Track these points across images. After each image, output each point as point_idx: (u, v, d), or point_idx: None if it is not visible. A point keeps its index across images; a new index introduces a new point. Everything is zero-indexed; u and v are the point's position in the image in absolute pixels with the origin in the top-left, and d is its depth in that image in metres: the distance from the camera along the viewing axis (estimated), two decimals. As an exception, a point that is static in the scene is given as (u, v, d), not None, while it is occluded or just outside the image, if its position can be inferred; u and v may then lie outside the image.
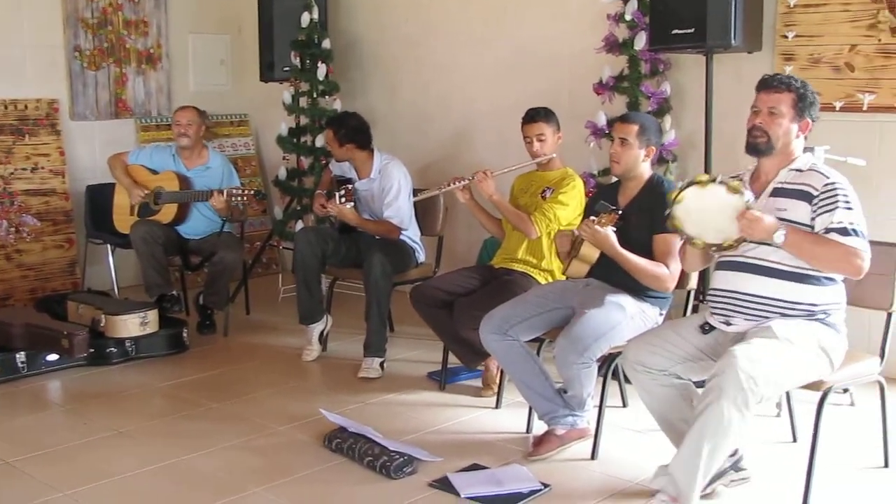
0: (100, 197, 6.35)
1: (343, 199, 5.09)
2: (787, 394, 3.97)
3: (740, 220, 3.14)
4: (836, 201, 3.17)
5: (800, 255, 3.20)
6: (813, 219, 3.21)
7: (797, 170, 3.31)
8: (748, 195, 3.17)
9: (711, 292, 3.44)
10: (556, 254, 4.42)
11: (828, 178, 3.23)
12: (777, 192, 3.31)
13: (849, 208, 3.17)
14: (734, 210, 3.16)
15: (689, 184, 3.27)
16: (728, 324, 3.36)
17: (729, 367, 3.04)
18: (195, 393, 4.78)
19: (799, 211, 3.23)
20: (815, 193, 3.22)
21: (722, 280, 3.38)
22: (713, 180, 3.23)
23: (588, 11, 5.61)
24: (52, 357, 5.04)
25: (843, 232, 3.15)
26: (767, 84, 3.36)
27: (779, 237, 3.13)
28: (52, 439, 4.13)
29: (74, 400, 4.71)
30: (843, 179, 3.26)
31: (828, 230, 3.16)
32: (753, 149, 3.36)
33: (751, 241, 3.23)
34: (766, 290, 3.27)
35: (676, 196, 3.27)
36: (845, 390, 4.41)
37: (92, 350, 5.09)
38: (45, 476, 3.74)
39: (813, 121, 3.35)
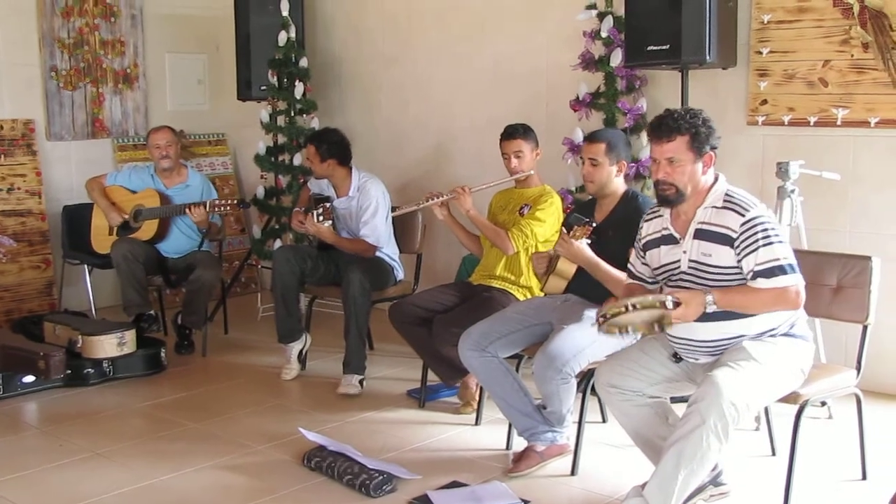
0: (77, 217, 6.31)
1: (321, 218, 5.08)
2: (766, 408, 3.98)
3: (673, 325, 3.07)
4: (756, 240, 3.11)
5: (735, 310, 3.16)
6: (738, 261, 3.16)
7: (713, 206, 3.24)
8: (666, 300, 3.05)
9: (670, 338, 3.36)
10: (533, 273, 4.42)
11: (743, 215, 3.16)
12: (699, 235, 3.25)
13: (769, 244, 3.11)
14: (660, 313, 3.07)
15: (606, 317, 3.09)
16: (696, 359, 3.34)
17: (711, 394, 3.02)
18: (173, 413, 4.74)
19: (723, 256, 3.18)
20: (735, 236, 3.15)
21: (677, 329, 3.24)
22: (625, 309, 3.06)
23: (564, 28, 5.64)
24: (29, 379, 4.99)
25: (769, 273, 3.09)
26: (657, 132, 3.26)
27: (710, 307, 3.09)
28: (28, 461, 4.09)
29: (51, 421, 4.67)
30: (760, 208, 3.19)
31: (754, 274, 3.11)
32: (665, 201, 3.29)
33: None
34: (720, 333, 3.24)
35: (603, 323, 3.12)
36: (823, 403, 4.43)
37: (69, 371, 5.04)
38: (20, 499, 3.70)
39: (714, 149, 3.26)
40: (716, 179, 3.30)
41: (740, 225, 3.15)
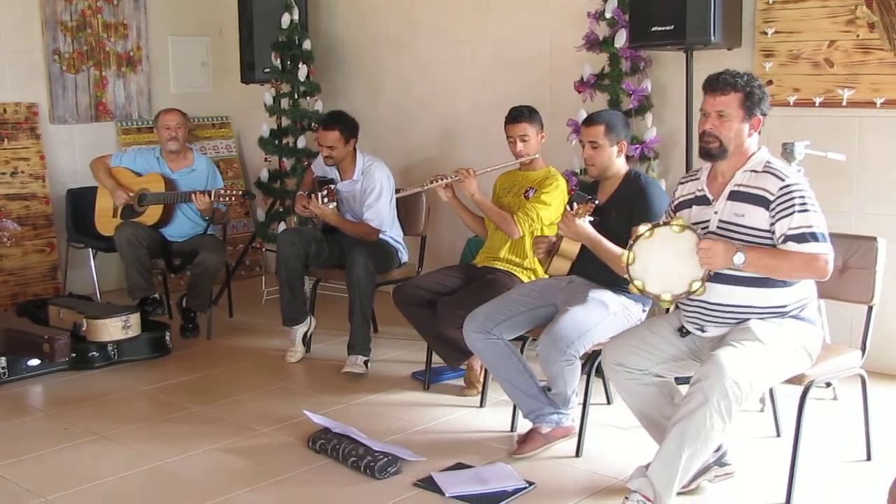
0: (81, 200, 6.31)
1: (325, 200, 5.07)
2: (771, 389, 3.98)
3: (697, 253, 3.11)
4: (793, 205, 3.14)
5: (761, 272, 3.17)
6: (771, 224, 3.18)
7: (753, 170, 3.27)
8: (696, 229, 3.16)
9: (682, 303, 3.40)
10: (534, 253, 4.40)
11: (783, 180, 3.19)
12: (734, 196, 3.28)
13: (805, 211, 3.14)
14: (690, 247, 3.14)
15: (636, 239, 3.22)
16: (703, 330, 3.35)
17: (715, 373, 3.02)
18: (178, 396, 4.75)
19: (757, 217, 3.21)
20: (771, 198, 3.18)
21: None
22: (656, 225, 3.21)
23: (568, 10, 5.62)
24: (34, 362, 5.00)
25: (801, 238, 3.12)
26: (713, 86, 3.30)
27: (738, 259, 3.10)
28: (33, 444, 4.10)
29: (56, 404, 4.68)
30: (799, 178, 3.24)
31: (786, 237, 3.13)
32: (707, 154, 3.32)
33: (713, 271, 3.17)
34: (734, 299, 3.25)
35: (628, 257, 3.22)
36: (828, 384, 4.43)
37: (74, 354, 5.06)
38: (25, 481, 3.72)
39: (764, 115, 3.30)
40: (759, 150, 3.33)
41: (779, 189, 3.18)
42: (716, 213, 3.31)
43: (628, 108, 5.23)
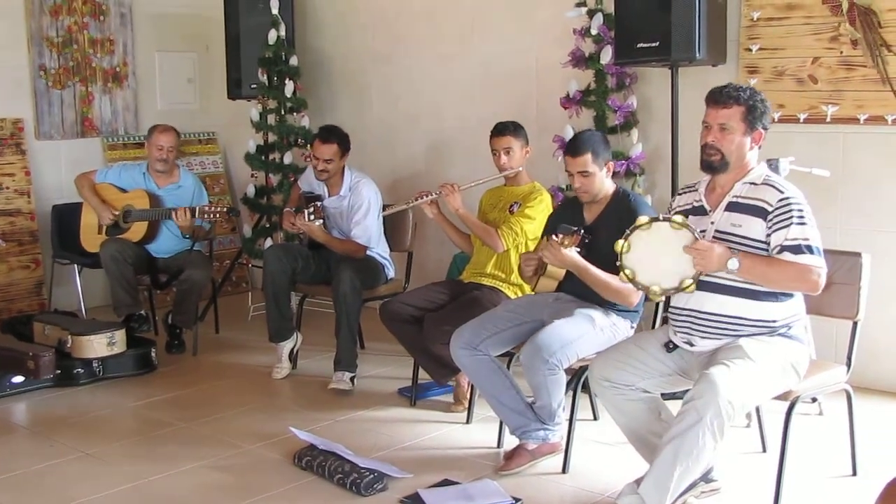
0: (66, 216, 6.28)
1: (312, 217, 5.07)
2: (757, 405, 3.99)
3: (691, 252, 3.14)
4: (791, 217, 3.18)
5: (754, 280, 3.20)
6: (768, 235, 3.21)
7: (752, 183, 3.31)
8: (694, 229, 3.18)
9: (672, 310, 3.43)
10: (520, 272, 4.34)
11: (782, 192, 3.23)
12: (732, 207, 3.31)
13: (802, 224, 3.18)
14: (683, 247, 3.16)
15: (633, 229, 3.25)
16: (691, 344, 3.36)
17: (709, 392, 3.02)
18: (164, 413, 4.73)
19: (754, 227, 3.24)
20: (770, 209, 3.21)
21: (682, 298, 3.35)
22: (655, 219, 3.24)
23: (554, 26, 5.64)
24: (18, 379, 4.97)
25: (797, 249, 3.15)
26: (716, 99, 3.34)
27: (732, 264, 3.13)
28: (18, 462, 4.07)
29: (40, 422, 4.65)
30: (798, 193, 3.26)
31: (781, 248, 3.17)
32: (708, 167, 3.35)
33: (707, 273, 3.20)
34: (725, 309, 3.27)
35: (623, 246, 3.25)
36: (814, 399, 4.44)
37: (58, 371, 5.03)
38: (10, 500, 3.69)
39: (765, 129, 3.34)
40: (759, 164, 3.37)
41: (777, 200, 3.21)
42: (712, 222, 3.33)
43: (614, 124, 5.25)
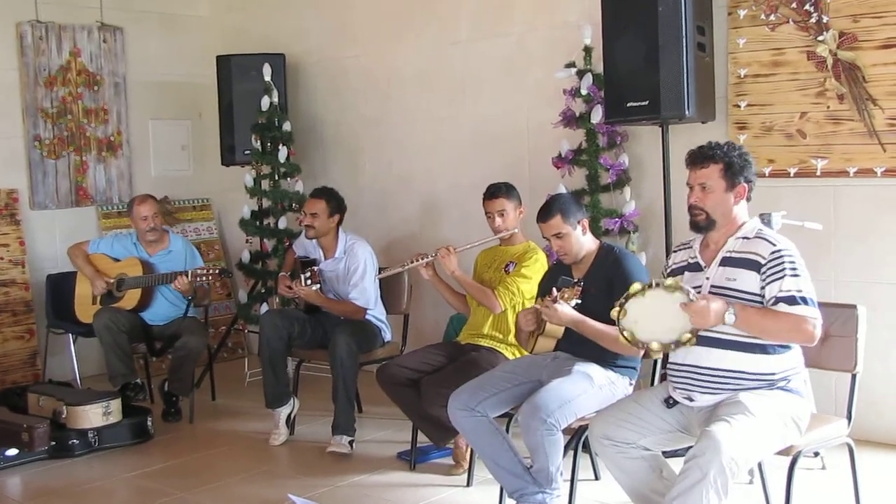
0: (61, 286, 6.27)
1: (309, 282, 5.07)
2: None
3: (687, 311, 3.15)
4: (783, 269, 3.20)
5: (751, 331, 3.21)
6: (762, 287, 3.23)
7: (745, 237, 3.34)
8: (688, 289, 3.19)
9: (671, 366, 3.43)
10: (516, 334, 4.30)
11: (774, 245, 3.26)
12: (726, 262, 3.34)
13: (796, 275, 3.20)
14: (679, 305, 3.18)
15: (627, 298, 3.27)
16: (691, 399, 3.35)
17: (711, 449, 3.01)
18: (161, 482, 4.68)
19: (748, 280, 3.26)
20: (763, 262, 3.24)
21: (680, 354, 3.36)
22: (648, 286, 3.26)
23: (545, 87, 5.70)
24: (12, 452, 4.91)
25: (791, 301, 3.17)
26: (693, 159, 3.40)
27: (729, 318, 3.15)
28: (13, 537, 4.03)
29: (36, 495, 4.59)
30: (790, 245, 3.29)
31: (776, 300, 3.18)
32: (696, 227, 3.41)
33: (705, 329, 3.22)
34: (723, 363, 3.27)
35: (619, 312, 3.27)
36: (816, 454, 4.41)
37: (53, 442, 4.98)
38: (5, 576, 3.64)
39: (749, 182, 3.38)
40: (751, 219, 3.41)
41: (770, 253, 3.24)
42: (707, 278, 3.35)
43: (607, 183, 5.28)
